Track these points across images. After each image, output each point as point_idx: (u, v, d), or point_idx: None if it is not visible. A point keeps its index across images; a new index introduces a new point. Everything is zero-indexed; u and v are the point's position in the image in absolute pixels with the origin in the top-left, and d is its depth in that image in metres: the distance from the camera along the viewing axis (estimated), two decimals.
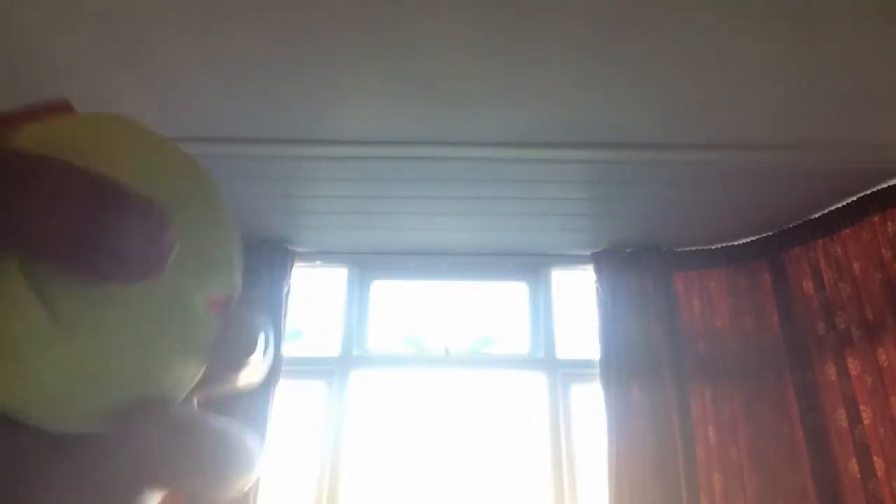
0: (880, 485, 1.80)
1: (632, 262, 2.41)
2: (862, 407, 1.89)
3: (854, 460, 1.89)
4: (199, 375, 0.53)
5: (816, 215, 2.16)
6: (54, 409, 0.49)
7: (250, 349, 0.57)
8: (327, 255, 2.59)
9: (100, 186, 0.44)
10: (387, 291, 2.68)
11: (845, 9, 1.27)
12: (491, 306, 2.70)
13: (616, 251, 2.45)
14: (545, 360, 2.48)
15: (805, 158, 1.82)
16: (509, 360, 2.55)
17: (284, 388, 2.31)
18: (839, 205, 2.07)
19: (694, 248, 2.45)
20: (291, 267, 2.42)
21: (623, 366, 2.25)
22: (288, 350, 2.35)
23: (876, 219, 1.94)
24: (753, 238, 2.38)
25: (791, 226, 2.25)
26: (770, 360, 2.19)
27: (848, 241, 2.02)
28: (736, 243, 2.41)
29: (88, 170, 0.44)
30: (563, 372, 2.44)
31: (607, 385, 2.24)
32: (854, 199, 2.02)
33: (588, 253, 2.51)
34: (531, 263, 2.64)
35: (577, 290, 2.60)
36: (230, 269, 0.61)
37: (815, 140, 1.75)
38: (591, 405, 2.34)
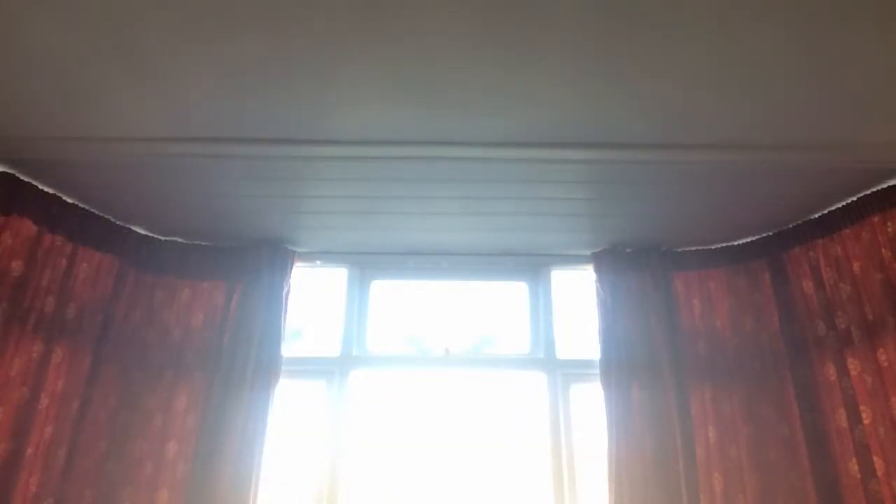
0: (880, 485, 1.80)
1: (632, 262, 2.41)
2: (862, 407, 1.89)
3: (854, 460, 1.89)
4: None
5: (816, 215, 2.16)
6: None
7: None
8: (327, 255, 2.59)
9: None
10: (387, 291, 2.68)
11: (846, 8, 1.27)
12: (491, 306, 2.70)
13: (616, 251, 2.45)
14: (545, 360, 2.48)
15: (805, 158, 1.82)
16: (509, 360, 2.55)
17: (284, 388, 2.31)
18: (839, 205, 2.07)
19: (694, 248, 2.46)
20: (291, 267, 2.43)
21: (623, 366, 2.25)
22: (288, 350, 2.35)
23: (876, 219, 1.93)
24: (753, 238, 2.38)
25: (791, 226, 2.25)
26: (770, 360, 2.19)
27: (848, 241, 2.02)
28: (736, 243, 2.41)
29: None
30: (563, 372, 2.45)
31: (607, 385, 2.24)
32: (854, 199, 2.02)
33: (588, 253, 2.52)
34: (531, 263, 2.64)
35: (577, 290, 2.61)
36: None
37: (816, 140, 1.75)
38: (591, 405, 2.34)
